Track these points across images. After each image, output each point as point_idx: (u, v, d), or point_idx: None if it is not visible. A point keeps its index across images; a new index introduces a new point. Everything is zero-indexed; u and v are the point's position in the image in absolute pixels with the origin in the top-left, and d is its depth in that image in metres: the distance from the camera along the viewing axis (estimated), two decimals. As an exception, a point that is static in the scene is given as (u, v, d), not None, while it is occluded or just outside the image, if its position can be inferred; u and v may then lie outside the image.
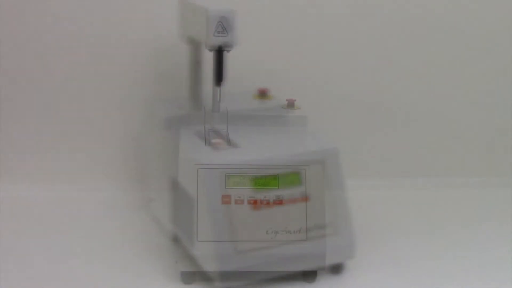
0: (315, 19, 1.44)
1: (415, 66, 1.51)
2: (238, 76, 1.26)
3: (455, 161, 1.56)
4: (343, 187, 1.08)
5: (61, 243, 1.18)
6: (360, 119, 1.51)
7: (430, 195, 1.48)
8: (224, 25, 1.06)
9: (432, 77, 1.52)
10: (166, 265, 1.10)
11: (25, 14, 1.36)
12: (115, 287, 1.05)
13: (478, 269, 1.15)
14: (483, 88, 1.54)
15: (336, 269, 1.10)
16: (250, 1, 1.39)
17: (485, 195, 1.49)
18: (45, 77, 1.39)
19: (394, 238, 1.26)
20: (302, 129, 1.18)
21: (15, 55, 1.37)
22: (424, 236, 1.28)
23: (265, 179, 1.02)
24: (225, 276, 1.00)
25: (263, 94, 1.28)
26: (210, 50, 1.09)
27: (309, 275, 1.07)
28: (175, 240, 1.16)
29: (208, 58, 1.13)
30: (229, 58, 1.10)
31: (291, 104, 1.21)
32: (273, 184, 1.02)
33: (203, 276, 1.03)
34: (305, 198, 1.03)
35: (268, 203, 1.01)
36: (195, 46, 1.22)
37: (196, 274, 1.05)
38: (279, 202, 1.02)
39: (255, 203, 1.01)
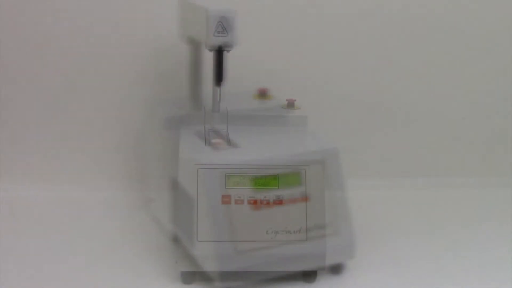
0: (315, 19, 1.44)
1: (415, 66, 1.51)
2: (238, 76, 1.26)
3: (455, 161, 1.56)
4: (343, 187, 1.08)
5: (61, 243, 1.18)
6: (360, 119, 1.51)
7: (430, 195, 1.48)
8: (224, 25, 1.06)
9: (432, 77, 1.52)
10: (166, 265, 1.10)
11: (25, 14, 1.36)
12: (115, 287, 1.05)
13: (478, 269, 1.15)
14: (483, 88, 1.54)
15: (336, 269, 1.10)
16: (250, 1, 1.39)
17: (485, 195, 1.49)
18: (45, 77, 1.39)
19: (394, 238, 1.26)
20: (302, 129, 1.18)
21: (15, 55, 1.37)
22: (424, 236, 1.28)
23: (265, 179, 1.02)
24: (225, 276, 1.00)
25: (263, 94, 1.28)
26: (210, 50, 1.09)
27: (309, 275, 1.07)
28: (175, 240, 1.16)
29: (208, 58, 1.13)
30: (229, 58, 1.10)
31: (291, 104, 1.21)
32: (273, 184, 1.02)
33: (203, 276, 1.03)
34: (305, 198, 1.03)
35: (268, 203, 1.01)
36: (195, 46, 1.22)
37: (196, 274, 1.05)
38: (279, 202, 1.02)
39: (255, 203, 1.01)
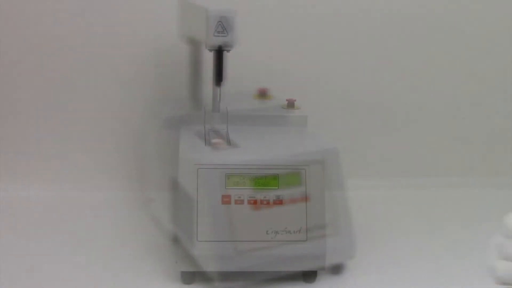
0: (315, 19, 1.44)
1: (415, 66, 1.51)
2: (238, 76, 1.26)
3: (455, 161, 1.56)
4: (343, 187, 1.08)
5: (61, 243, 1.18)
6: (360, 119, 1.51)
7: (430, 195, 1.48)
8: (224, 25, 1.06)
9: (432, 77, 1.52)
10: (166, 265, 1.10)
11: (25, 14, 1.36)
12: (115, 287, 1.05)
13: (478, 269, 1.15)
14: (483, 88, 1.54)
15: (336, 269, 1.10)
16: (250, 1, 1.39)
17: (485, 195, 1.49)
18: (44, 77, 1.39)
19: (394, 238, 1.26)
20: (302, 129, 1.18)
21: (14, 55, 1.37)
22: (424, 236, 1.28)
23: (265, 179, 1.02)
24: (225, 276, 1.00)
25: (263, 94, 1.28)
26: (210, 50, 1.09)
27: (309, 275, 1.07)
28: (175, 240, 1.16)
29: (208, 58, 1.13)
30: (229, 58, 1.10)
31: (291, 104, 1.21)
32: (273, 184, 1.02)
33: (203, 276, 1.03)
34: (305, 198, 1.03)
35: (268, 203, 1.01)
36: (195, 46, 1.22)
37: (196, 274, 1.05)
38: (279, 202, 1.02)
39: (255, 203, 1.01)
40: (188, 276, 1.05)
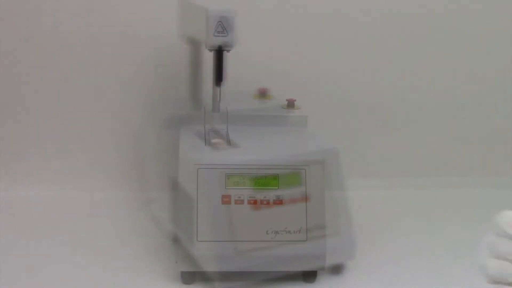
0: (315, 19, 1.44)
1: (415, 66, 1.51)
2: (238, 76, 1.26)
3: (455, 161, 1.56)
4: (343, 187, 1.08)
5: (61, 243, 1.18)
6: (360, 119, 1.51)
7: (430, 195, 1.48)
8: (224, 25, 1.06)
9: (432, 77, 1.52)
10: (166, 265, 1.10)
11: (25, 15, 1.36)
12: (115, 287, 1.05)
13: (477, 269, 1.14)
14: (483, 88, 1.54)
15: (336, 269, 1.10)
16: (250, 1, 1.39)
17: (485, 195, 1.49)
18: (44, 77, 1.39)
19: (394, 238, 1.26)
20: (302, 129, 1.18)
21: (15, 55, 1.37)
22: (424, 236, 1.28)
23: (265, 179, 1.02)
24: (225, 276, 1.00)
25: (263, 94, 1.28)
26: (210, 50, 1.09)
27: (309, 275, 1.07)
28: (175, 240, 1.16)
29: (208, 58, 1.13)
30: (229, 58, 1.10)
31: (291, 104, 1.21)
32: (273, 184, 1.02)
33: (203, 276, 1.03)
34: (305, 198, 1.03)
35: (268, 203, 1.01)
36: (195, 46, 1.22)
37: (196, 274, 1.05)
38: (279, 202, 1.02)
39: (255, 203, 1.01)
40: (188, 276, 1.05)
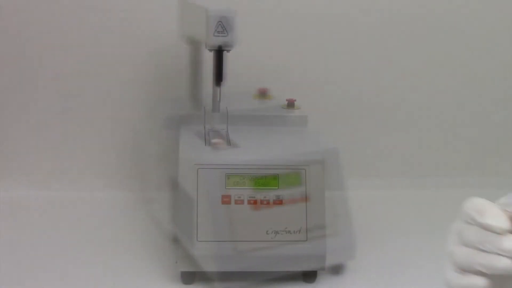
0: (315, 19, 1.44)
1: (415, 66, 1.51)
2: (238, 76, 1.26)
3: (455, 161, 1.56)
4: (343, 187, 1.08)
5: (61, 243, 1.18)
6: (360, 119, 1.51)
7: (430, 195, 1.48)
8: (224, 25, 1.06)
9: (432, 77, 1.52)
10: (166, 265, 1.10)
11: (25, 15, 1.36)
12: (115, 287, 1.04)
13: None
14: (483, 88, 1.54)
15: (336, 269, 1.10)
16: (250, 1, 1.39)
17: (485, 195, 1.48)
18: (44, 77, 1.39)
19: (394, 238, 1.26)
20: (302, 129, 1.18)
21: (14, 56, 1.37)
22: (424, 236, 1.28)
23: (265, 179, 1.02)
24: (225, 276, 1.00)
25: (263, 94, 1.28)
26: (210, 50, 1.09)
27: (309, 275, 1.07)
28: (175, 240, 1.16)
29: (208, 58, 1.13)
30: (229, 58, 1.10)
31: (291, 104, 1.21)
32: (273, 184, 1.02)
33: (203, 276, 1.03)
34: (305, 198, 1.03)
35: (268, 203, 1.01)
36: (195, 46, 1.22)
37: (196, 274, 1.04)
38: (279, 202, 1.02)
39: (255, 203, 1.01)
40: (188, 276, 1.05)
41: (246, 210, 1.00)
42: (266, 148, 1.07)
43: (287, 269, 1.04)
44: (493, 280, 0.54)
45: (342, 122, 1.49)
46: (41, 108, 1.40)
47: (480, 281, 0.54)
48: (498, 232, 0.53)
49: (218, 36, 1.06)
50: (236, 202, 1.00)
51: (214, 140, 1.05)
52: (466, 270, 0.55)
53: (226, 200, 1.00)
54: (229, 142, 1.08)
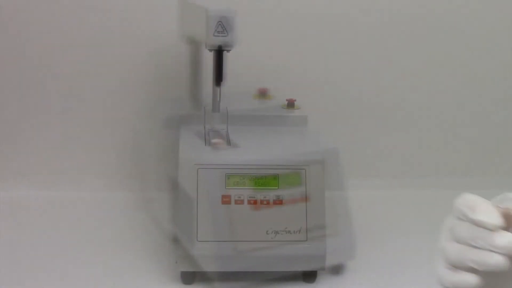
0: (315, 19, 1.44)
1: (415, 66, 1.51)
2: (238, 76, 1.26)
3: (455, 161, 1.56)
4: (343, 187, 1.08)
5: (61, 243, 1.18)
6: (360, 119, 1.50)
7: (430, 195, 1.48)
8: (224, 25, 1.05)
9: (432, 77, 1.52)
10: (166, 265, 1.10)
11: (25, 15, 1.35)
12: (115, 287, 1.04)
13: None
14: (483, 88, 1.54)
15: (336, 269, 1.10)
16: (250, 1, 1.39)
17: (485, 195, 1.48)
18: (45, 77, 1.39)
19: (394, 238, 1.26)
20: (302, 129, 1.18)
21: (14, 56, 1.37)
22: (424, 236, 1.27)
23: (265, 179, 1.02)
24: (225, 276, 1.00)
25: (263, 94, 1.28)
26: (210, 50, 1.09)
27: (309, 275, 1.07)
28: (175, 240, 1.16)
29: (208, 58, 1.13)
30: (229, 58, 1.10)
31: (291, 104, 1.21)
32: (273, 184, 1.02)
33: (203, 276, 1.03)
34: (305, 198, 1.03)
35: (268, 203, 1.01)
36: (195, 46, 1.22)
37: (196, 274, 1.04)
38: (279, 202, 1.02)
39: (255, 203, 1.01)
40: (188, 276, 1.05)
41: (246, 210, 1.00)
42: (266, 148, 1.07)
43: (287, 269, 1.04)
44: (486, 277, 0.54)
45: (342, 122, 1.49)
46: (41, 108, 1.40)
47: (472, 278, 0.54)
48: (490, 229, 0.53)
49: (218, 36, 1.06)
50: (236, 202, 1.00)
51: (214, 140, 1.05)
52: (458, 266, 0.55)
53: (226, 200, 1.00)
54: (229, 142, 1.08)
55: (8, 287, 1.03)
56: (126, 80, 1.41)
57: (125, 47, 1.39)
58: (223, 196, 1.00)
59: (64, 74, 1.39)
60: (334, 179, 1.06)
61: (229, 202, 1.00)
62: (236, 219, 0.99)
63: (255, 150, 1.06)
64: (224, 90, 1.11)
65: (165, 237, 1.20)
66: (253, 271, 1.02)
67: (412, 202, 1.45)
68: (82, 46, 1.38)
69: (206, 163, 1.00)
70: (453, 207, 0.57)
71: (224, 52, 1.08)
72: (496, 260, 0.52)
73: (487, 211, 0.54)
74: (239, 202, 1.00)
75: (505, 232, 0.53)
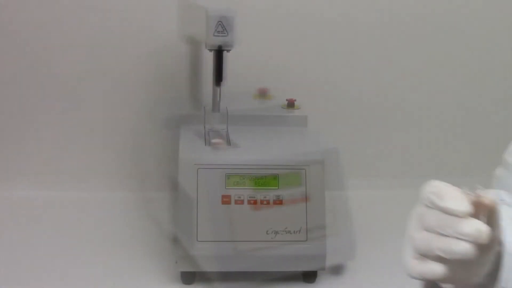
0: (315, 19, 1.44)
1: (415, 66, 1.51)
2: (238, 76, 1.26)
3: (455, 161, 1.56)
4: (343, 187, 1.08)
5: (61, 243, 1.18)
6: (360, 119, 1.50)
7: (430, 195, 1.48)
8: (224, 25, 1.05)
9: (432, 77, 1.52)
10: (166, 265, 1.10)
11: (25, 15, 1.35)
12: (115, 287, 1.04)
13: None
14: (483, 88, 1.54)
15: (336, 269, 1.10)
16: (250, 1, 1.39)
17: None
18: (45, 78, 1.39)
19: (394, 238, 1.25)
20: (302, 129, 1.18)
21: (15, 56, 1.37)
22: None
23: (265, 179, 1.02)
24: (225, 276, 1.00)
25: (263, 94, 1.28)
26: (210, 50, 1.09)
27: (309, 275, 1.07)
28: (175, 240, 1.16)
29: (208, 58, 1.13)
30: (229, 58, 1.10)
31: (291, 104, 1.21)
32: (273, 184, 1.02)
33: (203, 276, 1.03)
34: (305, 198, 1.03)
35: (268, 203, 1.01)
36: (195, 46, 1.22)
37: (196, 274, 1.04)
38: (279, 202, 1.02)
39: (255, 203, 1.01)
40: (188, 276, 1.05)
41: (246, 210, 1.00)
42: (266, 148, 1.07)
43: (287, 269, 1.04)
44: (454, 266, 0.52)
45: (342, 122, 1.49)
46: (41, 108, 1.40)
47: (438, 267, 0.52)
48: (459, 216, 0.51)
49: (218, 36, 1.06)
50: (236, 202, 1.00)
51: (214, 140, 1.05)
52: (425, 255, 0.53)
53: (226, 200, 1.00)
54: (229, 142, 1.08)
55: (8, 287, 1.03)
56: (126, 80, 1.41)
57: (125, 47, 1.39)
58: (223, 196, 1.00)
59: (64, 74, 1.39)
60: (334, 179, 1.06)
61: (229, 202, 1.00)
62: (236, 219, 0.99)
63: (255, 150, 1.06)
64: (224, 90, 1.11)
65: (165, 237, 1.20)
66: (253, 271, 1.02)
67: (412, 202, 1.44)
68: (82, 46, 1.38)
69: (206, 163, 1.00)
70: (420, 194, 0.56)
71: (224, 52, 1.08)
72: (463, 247, 0.50)
73: (455, 198, 0.52)
74: (239, 202, 1.00)
75: (473, 219, 0.51)
